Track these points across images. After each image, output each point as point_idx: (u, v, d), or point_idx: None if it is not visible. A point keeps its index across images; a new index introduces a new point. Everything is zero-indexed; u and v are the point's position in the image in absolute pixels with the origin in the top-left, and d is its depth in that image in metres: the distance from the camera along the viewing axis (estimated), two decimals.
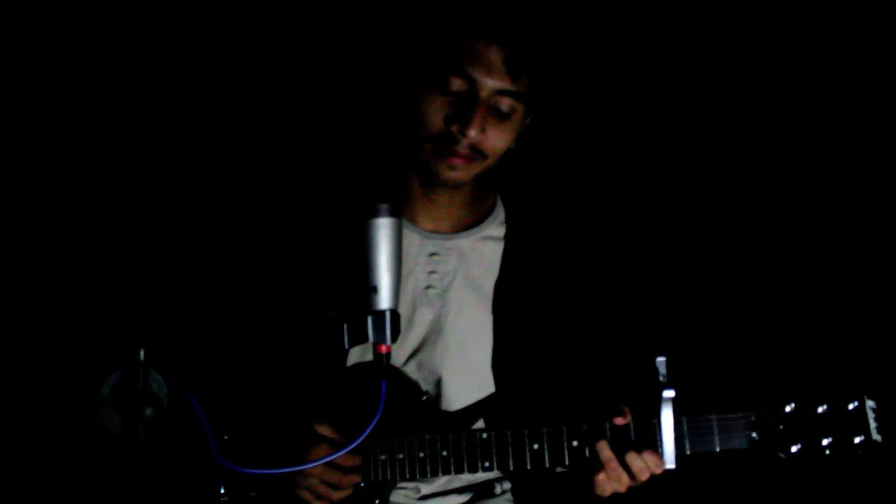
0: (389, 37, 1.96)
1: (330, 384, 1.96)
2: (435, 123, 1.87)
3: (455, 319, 2.01)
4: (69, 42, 2.48)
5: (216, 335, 1.99)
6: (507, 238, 2.07)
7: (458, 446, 1.88)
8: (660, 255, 2.55)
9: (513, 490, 2.09)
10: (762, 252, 2.56)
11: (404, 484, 1.99)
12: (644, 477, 1.82)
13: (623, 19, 2.54)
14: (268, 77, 2.54)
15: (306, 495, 1.86)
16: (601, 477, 1.82)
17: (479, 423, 2.02)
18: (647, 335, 2.30)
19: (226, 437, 1.88)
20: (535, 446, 1.86)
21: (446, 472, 1.89)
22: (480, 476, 2.04)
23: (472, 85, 1.85)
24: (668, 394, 1.81)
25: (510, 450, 1.87)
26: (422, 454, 1.89)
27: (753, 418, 1.83)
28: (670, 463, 1.82)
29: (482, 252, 2.05)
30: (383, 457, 1.91)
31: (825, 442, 1.81)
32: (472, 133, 1.85)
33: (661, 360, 1.80)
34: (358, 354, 1.97)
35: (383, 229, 1.53)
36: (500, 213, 2.10)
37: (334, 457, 1.75)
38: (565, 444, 1.86)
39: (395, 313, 1.54)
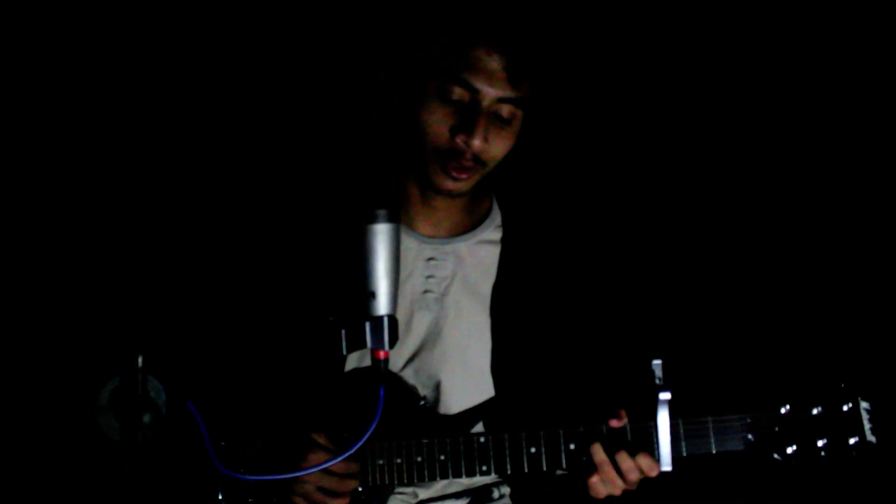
0: (391, 40, 1.96)
1: (328, 389, 1.96)
2: (439, 133, 1.87)
3: (453, 323, 2.02)
4: (69, 42, 2.48)
5: (214, 340, 1.99)
6: (504, 241, 2.08)
7: (455, 451, 1.89)
8: (656, 257, 2.56)
9: (511, 494, 2.09)
10: (757, 256, 2.57)
11: (402, 489, 2.00)
12: (635, 478, 1.82)
13: (620, 23, 2.55)
14: (267, 80, 2.54)
15: (302, 502, 1.86)
16: (595, 479, 1.82)
17: (479, 427, 2.02)
18: (644, 338, 2.30)
19: (223, 443, 1.89)
20: (533, 450, 1.87)
21: (444, 476, 1.90)
22: (478, 480, 2.05)
23: (475, 94, 1.85)
24: (665, 396, 1.81)
25: (507, 453, 1.88)
26: (419, 459, 1.90)
27: (749, 420, 1.84)
28: (666, 465, 1.83)
29: (479, 256, 2.06)
30: (381, 462, 1.91)
31: (820, 443, 1.82)
32: (477, 143, 1.86)
33: (657, 362, 1.81)
34: (356, 359, 1.97)
35: (381, 235, 1.53)
36: (496, 216, 2.10)
37: (331, 463, 1.76)
38: (562, 447, 1.86)
39: (392, 319, 1.54)
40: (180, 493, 1.90)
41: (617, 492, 1.84)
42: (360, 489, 1.92)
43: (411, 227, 2.03)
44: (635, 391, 1.87)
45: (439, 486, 2.04)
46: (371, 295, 1.53)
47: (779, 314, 2.53)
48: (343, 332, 1.55)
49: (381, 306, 1.54)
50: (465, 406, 2.02)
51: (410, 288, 2.01)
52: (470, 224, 2.08)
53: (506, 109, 1.88)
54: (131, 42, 2.50)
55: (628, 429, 1.85)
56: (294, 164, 2.43)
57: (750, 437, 1.83)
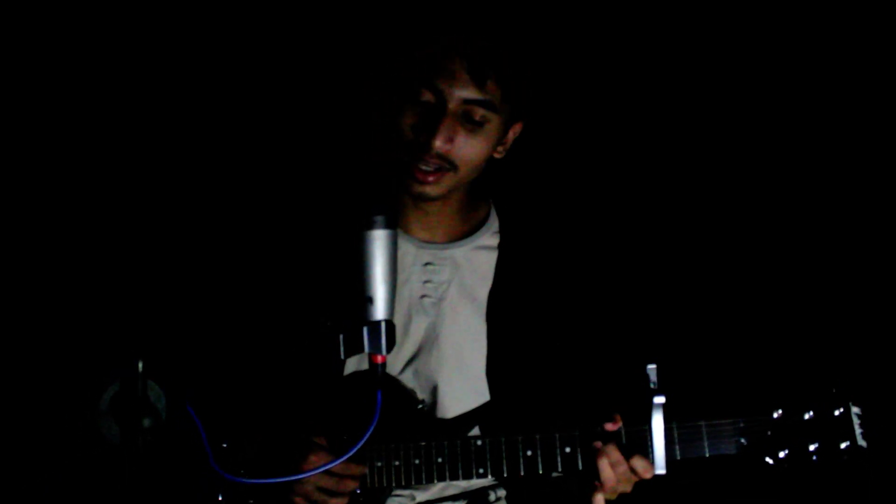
0: (382, 42, 1.98)
1: (327, 393, 1.98)
2: (405, 134, 1.89)
3: (450, 328, 2.03)
4: (69, 44, 2.48)
5: (214, 345, 2.00)
6: (501, 247, 2.09)
7: (452, 453, 1.90)
8: (651, 263, 2.57)
9: (507, 497, 2.10)
10: (750, 262, 2.58)
11: (400, 491, 2.01)
12: (630, 480, 1.84)
13: (611, 26, 2.56)
14: (265, 83, 2.55)
15: (303, 502, 1.87)
16: (599, 496, 1.83)
17: (475, 431, 2.03)
18: (639, 342, 2.32)
19: (223, 446, 1.90)
20: (529, 453, 1.88)
21: (441, 478, 1.91)
22: (475, 483, 2.06)
23: (440, 96, 1.87)
24: (659, 400, 1.83)
25: (504, 456, 1.89)
26: (417, 461, 1.91)
27: (742, 424, 1.85)
28: (661, 468, 1.84)
29: (476, 261, 2.07)
30: (379, 464, 1.93)
31: (812, 447, 1.84)
32: (438, 143, 1.87)
33: (651, 367, 1.82)
34: (355, 363, 1.99)
35: (379, 241, 1.54)
36: (493, 222, 2.12)
37: (332, 465, 1.77)
38: (558, 451, 1.88)
39: (390, 324, 1.55)
40: (180, 497, 1.91)
41: (613, 495, 1.86)
42: (358, 491, 1.93)
43: (409, 231, 2.04)
44: (630, 395, 1.88)
45: (437, 489, 2.05)
46: (369, 300, 1.54)
47: (772, 320, 2.54)
48: (341, 336, 1.57)
49: (379, 311, 1.55)
50: (462, 410, 2.03)
51: (408, 293, 2.02)
52: (467, 230, 2.09)
53: (477, 112, 1.89)
54: (130, 46, 2.50)
55: (623, 432, 1.86)
56: (292, 170, 2.45)
57: (743, 440, 1.85)
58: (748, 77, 2.56)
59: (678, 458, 1.86)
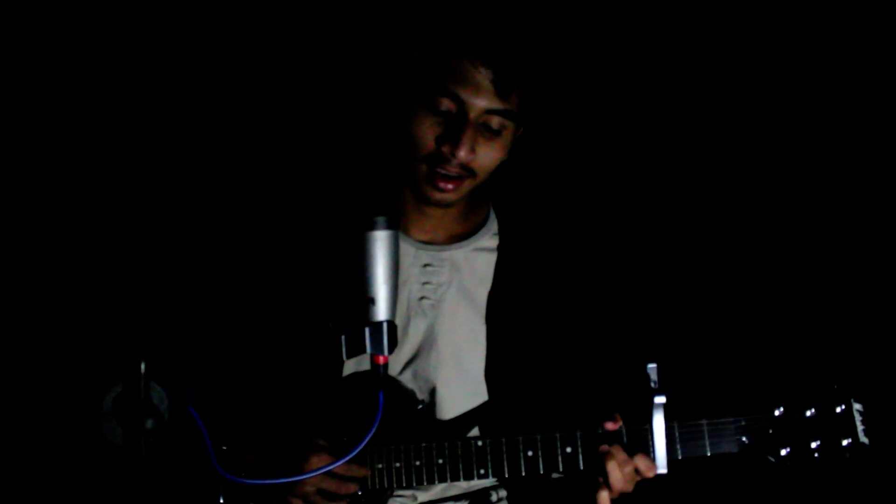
0: (383, 45, 1.97)
1: (327, 394, 1.98)
2: (426, 143, 1.89)
3: (449, 329, 2.03)
4: (71, 45, 2.49)
5: (216, 346, 2.00)
6: (500, 249, 2.09)
7: (453, 454, 1.90)
8: (651, 263, 2.57)
9: (509, 497, 2.10)
10: (750, 260, 2.58)
11: (401, 492, 2.01)
12: (632, 479, 1.84)
13: (612, 32, 2.57)
14: (266, 83, 2.55)
15: None
16: (604, 494, 1.83)
17: (474, 431, 2.04)
18: (639, 342, 2.32)
19: (224, 448, 1.90)
20: (530, 453, 1.89)
21: (442, 479, 1.91)
22: (476, 484, 2.06)
23: (462, 105, 1.87)
24: (660, 399, 1.83)
25: (505, 457, 1.89)
26: (418, 462, 1.91)
27: (743, 423, 1.85)
28: (662, 467, 1.84)
29: (475, 263, 2.08)
30: (380, 465, 1.93)
31: (814, 445, 1.84)
32: (462, 154, 1.87)
33: (652, 366, 1.83)
34: (353, 364, 1.98)
35: (380, 242, 1.54)
36: (493, 224, 2.12)
37: (333, 467, 1.77)
38: (559, 451, 1.88)
39: (392, 324, 1.56)
40: (182, 498, 1.91)
41: (614, 494, 1.86)
42: (359, 493, 1.93)
43: (408, 233, 2.04)
44: (631, 395, 1.88)
45: (438, 490, 2.05)
46: (370, 301, 1.55)
47: (772, 318, 2.54)
48: (343, 337, 1.57)
49: (381, 312, 1.55)
50: (460, 411, 2.03)
51: (407, 294, 2.02)
52: (466, 231, 2.09)
53: (495, 121, 1.90)
54: (131, 48, 2.51)
55: (624, 432, 1.87)
56: (294, 171, 2.45)
57: (744, 439, 1.85)
58: (746, 79, 2.57)
59: (680, 457, 1.86)
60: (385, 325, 1.55)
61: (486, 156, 1.92)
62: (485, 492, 2.08)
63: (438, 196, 1.93)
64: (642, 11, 2.56)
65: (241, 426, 1.93)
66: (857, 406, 1.84)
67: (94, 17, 2.48)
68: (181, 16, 2.50)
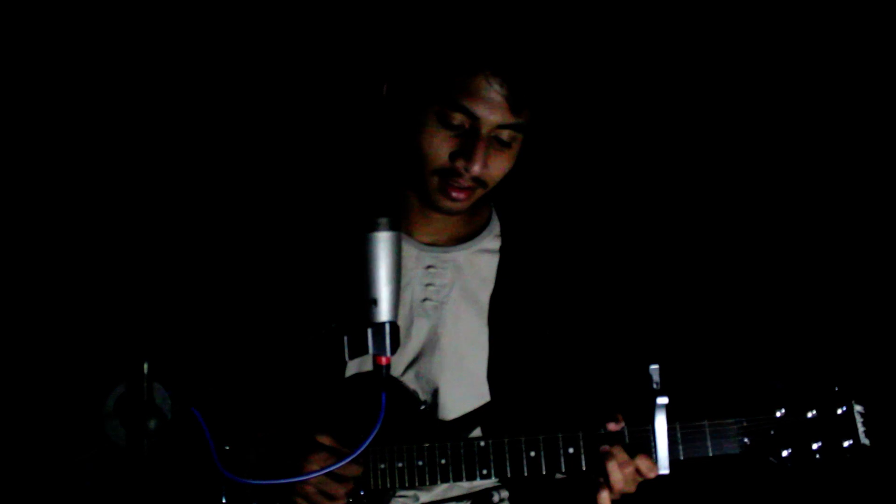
0: (394, 56, 1.97)
1: (329, 395, 1.98)
2: (439, 158, 1.89)
3: (452, 331, 2.03)
4: (72, 48, 2.49)
5: (218, 347, 2.01)
6: (503, 250, 2.10)
7: (456, 455, 1.91)
8: (652, 264, 2.57)
9: (511, 498, 2.11)
10: (752, 261, 2.58)
11: (403, 492, 2.01)
12: (634, 480, 1.84)
13: (613, 35, 2.57)
14: (270, 88, 2.56)
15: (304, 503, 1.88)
16: (604, 494, 1.83)
17: (476, 432, 2.04)
18: (641, 343, 2.32)
19: (227, 448, 1.91)
20: (532, 454, 1.89)
21: (445, 480, 1.92)
22: (478, 484, 2.07)
23: (475, 121, 1.86)
24: (662, 400, 1.83)
25: (507, 457, 1.90)
26: (420, 463, 1.92)
27: (745, 423, 1.86)
28: (664, 468, 1.85)
29: (478, 264, 2.08)
30: (382, 465, 1.93)
31: (815, 446, 1.84)
32: (476, 169, 1.87)
33: (654, 367, 1.83)
34: (356, 365, 1.99)
35: (383, 242, 1.54)
36: (495, 225, 2.12)
37: (334, 468, 1.77)
38: (561, 452, 1.89)
39: (394, 325, 1.56)
40: (185, 498, 1.92)
41: (616, 496, 1.86)
42: (362, 493, 1.94)
43: (410, 234, 2.05)
44: (633, 396, 1.89)
45: (440, 490, 2.05)
46: (373, 302, 1.55)
47: (774, 319, 2.55)
48: (345, 338, 1.57)
49: (383, 313, 1.55)
50: (463, 411, 2.03)
51: (410, 295, 2.03)
52: (469, 233, 2.10)
53: (506, 134, 1.89)
54: (140, 53, 2.51)
55: (626, 432, 1.87)
56: (296, 172, 2.45)
57: (746, 440, 1.86)
58: (746, 79, 2.57)
59: (681, 458, 1.86)
60: (387, 326, 1.55)
61: (498, 168, 1.92)
62: (487, 492, 2.08)
63: (450, 205, 1.94)
64: (645, 15, 2.56)
65: (244, 426, 1.94)
66: (858, 407, 1.84)
67: (98, 19, 2.48)
68: (193, 22, 2.51)
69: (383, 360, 1.58)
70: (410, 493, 2.03)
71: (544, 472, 1.89)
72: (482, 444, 1.90)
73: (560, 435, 1.88)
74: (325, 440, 1.88)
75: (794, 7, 2.50)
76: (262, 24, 2.54)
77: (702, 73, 2.58)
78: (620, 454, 1.82)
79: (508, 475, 1.90)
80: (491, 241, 2.11)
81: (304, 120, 2.57)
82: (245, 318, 2.02)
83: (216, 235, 2.12)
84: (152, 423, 1.51)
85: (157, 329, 2.22)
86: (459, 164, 1.88)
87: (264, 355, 1.91)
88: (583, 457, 1.88)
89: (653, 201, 2.61)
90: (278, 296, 2.01)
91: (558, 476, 1.94)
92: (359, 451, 1.60)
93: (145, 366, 1.50)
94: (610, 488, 1.82)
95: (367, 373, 1.99)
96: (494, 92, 1.84)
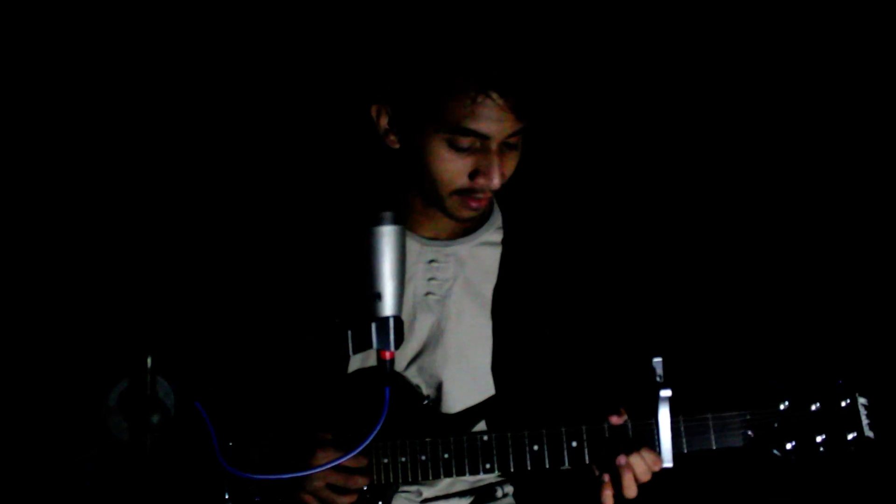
0: (398, 86, 1.94)
1: (333, 389, 1.98)
2: (457, 181, 1.88)
3: (455, 324, 2.03)
4: (75, 51, 2.49)
5: (222, 342, 2.01)
6: (505, 243, 2.09)
7: (459, 449, 1.91)
8: (655, 257, 2.57)
9: (515, 494, 2.11)
10: (755, 254, 2.58)
11: (407, 487, 2.01)
12: (644, 475, 1.84)
13: (618, 31, 2.57)
14: (275, 84, 2.55)
15: (311, 500, 1.88)
16: (607, 493, 1.83)
17: (480, 426, 2.04)
18: (644, 336, 2.32)
19: (230, 444, 1.91)
20: (535, 448, 1.89)
21: (448, 474, 1.92)
22: (482, 479, 2.07)
23: (486, 140, 1.85)
24: (665, 393, 1.83)
25: (511, 452, 1.90)
26: (423, 457, 1.92)
27: (748, 416, 1.85)
28: (668, 461, 1.85)
29: (480, 257, 2.08)
30: (385, 460, 1.93)
31: (819, 439, 1.84)
32: (497, 182, 1.87)
33: (657, 360, 1.83)
34: (359, 360, 1.99)
35: (387, 237, 1.54)
36: (497, 218, 2.12)
37: (341, 461, 1.77)
38: (565, 446, 1.88)
39: (398, 320, 1.56)
40: (187, 493, 1.92)
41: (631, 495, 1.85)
42: (364, 488, 1.93)
43: (412, 229, 2.04)
44: (636, 389, 1.89)
45: (443, 485, 2.05)
46: (377, 296, 1.55)
47: (777, 311, 2.54)
48: (350, 333, 1.57)
49: (387, 307, 1.55)
50: (466, 405, 2.04)
51: (412, 290, 2.02)
52: (470, 226, 2.09)
53: (513, 138, 1.89)
54: (156, 56, 2.51)
55: (630, 426, 1.87)
56: (301, 168, 2.44)
57: (749, 433, 1.85)
58: (748, 76, 2.57)
59: (685, 451, 1.86)
60: (392, 321, 1.55)
61: (510, 169, 1.92)
62: (490, 487, 2.09)
63: (469, 214, 1.95)
64: (645, 13, 2.56)
65: (248, 422, 1.93)
66: (862, 400, 1.84)
67: (103, 22, 2.48)
68: (203, 24, 2.50)
69: (387, 355, 1.58)
70: (413, 488, 2.03)
71: (547, 466, 1.89)
72: (485, 438, 1.90)
73: (563, 429, 1.88)
74: (328, 436, 1.88)
75: (791, 6, 2.50)
76: (267, 30, 2.54)
77: (702, 66, 2.57)
78: (634, 459, 1.81)
79: (512, 469, 1.90)
80: (493, 234, 2.10)
81: (309, 116, 2.56)
82: (249, 313, 2.02)
83: (220, 230, 2.11)
84: (155, 418, 1.51)
85: (160, 323, 2.22)
86: (479, 182, 1.88)
87: (268, 350, 1.91)
88: (586, 451, 1.87)
89: (655, 193, 2.61)
90: (282, 290, 2.01)
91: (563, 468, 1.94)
92: (363, 446, 1.60)
93: (149, 360, 1.50)
94: (619, 492, 1.82)
95: (371, 368, 1.99)
96: (499, 109, 1.82)
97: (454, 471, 1.91)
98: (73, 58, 2.49)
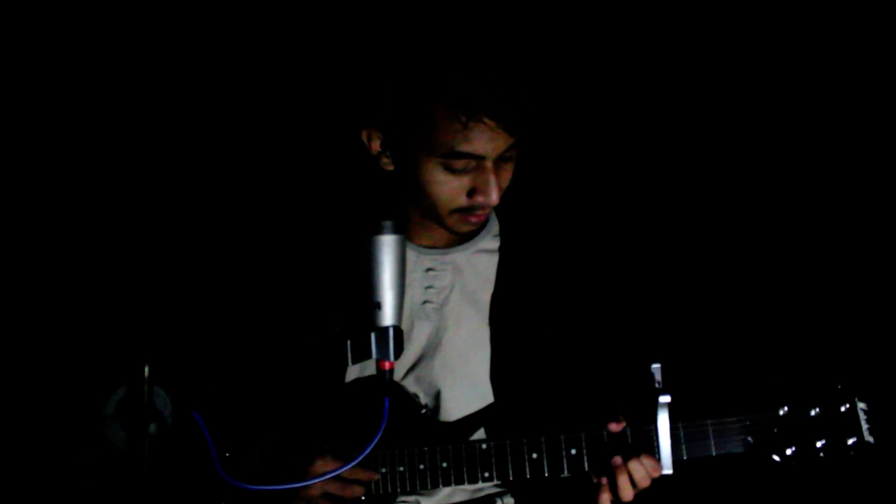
0: (383, 100, 1.92)
1: (332, 399, 1.97)
2: (456, 201, 1.88)
3: (453, 333, 2.03)
4: (78, 53, 2.48)
5: (220, 351, 2.00)
6: (502, 250, 2.09)
7: (457, 457, 1.90)
8: (653, 262, 2.57)
9: None
10: (753, 259, 2.58)
11: (405, 498, 2.01)
12: (643, 481, 1.84)
13: (608, 36, 2.57)
14: (276, 93, 2.55)
15: None
16: (605, 496, 1.82)
17: (479, 434, 2.03)
18: (642, 342, 2.32)
19: (227, 454, 1.90)
20: (534, 455, 1.88)
21: (446, 483, 1.91)
22: (482, 490, 2.06)
23: (480, 160, 1.85)
24: (664, 399, 1.83)
25: (509, 459, 1.89)
26: (422, 466, 1.91)
27: (748, 422, 1.85)
28: (667, 468, 1.84)
29: (478, 265, 2.07)
30: (384, 470, 1.92)
31: (819, 444, 1.84)
32: (495, 198, 1.87)
33: (656, 366, 1.82)
34: (357, 369, 1.99)
35: (387, 246, 1.54)
36: (493, 225, 2.11)
37: (338, 472, 1.76)
38: (563, 453, 1.88)
39: (398, 330, 1.55)
40: (184, 503, 1.91)
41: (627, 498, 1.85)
42: (363, 498, 1.93)
43: (409, 238, 2.03)
44: (635, 395, 1.88)
45: (442, 496, 2.04)
46: (377, 306, 1.54)
47: (776, 317, 2.54)
48: (349, 342, 1.57)
49: (387, 317, 1.55)
50: (465, 414, 2.03)
51: (410, 299, 2.02)
52: (467, 234, 2.08)
53: (508, 152, 1.89)
54: (165, 63, 2.51)
55: (629, 432, 1.86)
56: (300, 177, 2.44)
57: (749, 439, 1.85)
58: (745, 79, 2.57)
59: (685, 457, 1.85)
60: (391, 331, 1.55)
61: (507, 181, 1.92)
62: (490, 498, 2.07)
63: (469, 228, 1.95)
64: (640, 16, 2.56)
65: (246, 431, 1.93)
66: (861, 405, 1.83)
67: (110, 25, 2.47)
68: (208, 28, 2.50)
69: (387, 365, 1.57)
70: (412, 498, 2.02)
71: (547, 474, 1.88)
72: (483, 446, 1.90)
73: (562, 436, 1.88)
74: (326, 445, 1.87)
75: (777, 5, 2.50)
76: (268, 34, 2.53)
77: (702, 66, 2.57)
78: (633, 463, 1.81)
79: (510, 477, 1.89)
80: (490, 242, 2.10)
81: (309, 126, 2.55)
82: (247, 322, 2.01)
83: (219, 239, 2.11)
84: (152, 427, 1.50)
85: (158, 332, 2.22)
86: (478, 200, 1.88)
87: (266, 359, 1.90)
88: (585, 458, 1.87)
89: (653, 199, 2.61)
90: (281, 299, 2.01)
91: (564, 476, 1.93)
92: (361, 457, 1.59)
93: (146, 369, 1.49)
94: (617, 496, 1.81)
95: (369, 377, 1.98)
96: (491, 131, 1.82)
97: (453, 479, 1.90)
98: (70, 70, 2.49)
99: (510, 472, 1.89)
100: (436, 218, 1.94)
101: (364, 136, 1.93)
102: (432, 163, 1.85)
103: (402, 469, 1.92)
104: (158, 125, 2.53)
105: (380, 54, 1.91)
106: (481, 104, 1.80)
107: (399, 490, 1.92)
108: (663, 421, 1.84)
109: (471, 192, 1.88)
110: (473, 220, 1.92)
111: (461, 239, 2.07)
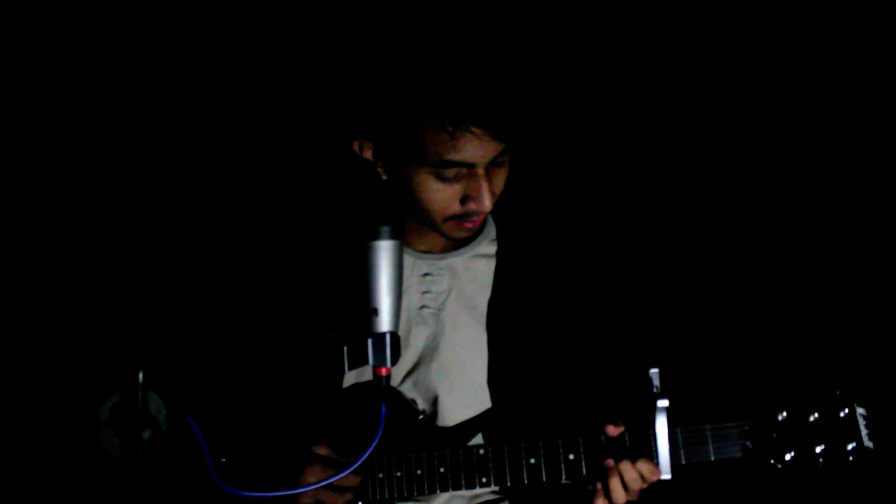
0: (372, 112, 1.91)
1: (328, 405, 1.96)
2: (449, 208, 1.88)
3: (450, 338, 2.02)
4: (80, 55, 2.47)
5: (215, 356, 1.99)
6: (499, 255, 2.08)
7: (455, 463, 1.89)
8: (651, 267, 2.56)
9: None
10: (752, 264, 2.58)
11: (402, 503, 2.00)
12: (638, 486, 1.83)
13: (596, 27, 2.56)
14: (274, 97, 2.55)
15: None
16: (601, 500, 1.82)
17: (477, 439, 2.03)
18: (640, 347, 2.31)
19: (223, 460, 1.89)
20: (532, 461, 1.87)
21: (444, 489, 1.90)
22: (480, 496, 2.05)
23: (471, 168, 1.84)
24: (662, 403, 1.82)
25: (507, 465, 1.88)
26: (419, 471, 1.90)
27: (747, 427, 1.84)
28: (666, 473, 1.83)
29: (475, 270, 2.07)
30: (380, 475, 1.92)
31: (818, 449, 1.83)
32: (487, 204, 1.86)
33: (654, 371, 1.82)
34: (354, 375, 1.98)
35: (384, 252, 1.54)
36: (490, 230, 2.11)
37: (334, 479, 1.75)
38: (561, 458, 1.87)
39: (395, 336, 1.55)
40: None
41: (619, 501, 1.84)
42: None
43: (406, 243, 2.03)
44: (633, 400, 1.87)
45: (440, 502, 2.03)
46: (374, 312, 1.54)
47: (775, 322, 2.54)
48: (345, 348, 1.56)
49: (384, 323, 1.54)
50: (463, 419, 2.02)
51: (407, 304, 2.01)
52: (464, 238, 2.07)
53: (499, 158, 1.88)
54: (165, 67, 2.51)
55: (627, 437, 1.86)
56: (297, 182, 2.44)
57: (748, 444, 1.84)
58: (744, 80, 2.57)
59: (683, 462, 1.85)
60: (388, 337, 1.54)
61: (500, 186, 1.92)
62: None
63: (464, 235, 1.95)
64: (635, 19, 2.55)
65: (241, 437, 1.92)
66: (860, 410, 1.83)
67: (114, 26, 2.47)
68: (209, 29, 2.50)
69: (383, 371, 1.57)
70: None
71: (545, 480, 1.87)
72: (481, 451, 1.89)
73: (560, 441, 1.87)
74: (322, 451, 1.86)
75: (793, 6, 2.50)
76: (268, 36, 2.53)
77: (701, 67, 2.56)
78: (627, 468, 1.80)
79: (508, 483, 1.88)
80: (487, 246, 2.09)
81: (307, 132, 2.55)
82: (244, 328, 2.01)
83: (215, 244, 2.11)
84: (147, 434, 1.49)
85: (153, 337, 2.21)
86: (471, 206, 1.87)
87: (262, 365, 1.90)
88: (583, 463, 1.86)
89: (651, 203, 2.61)
90: (278, 305, 2.00)
91: (563, 482, 1.93)
92: (357, 464, 1.58)
93: (141, 374, 1.48)
94: (609, 500, 1.80)
95: (366, 383, 1.98)
96: (479, 139, 1.81)
97: (450, 485, 1.90)
98: (68, 74, 2.48)
99: (508, 478, 1.88)
100: (431, 225, 1.93)
101: (356, 146, 1.93)
102: (423, 172, 1.85)
103: (399, 474, 1.91)
104: (159, 131, 2.52)
105: (366, 66, 1.90)
106: (467, 113, 1.79)
107: (396, 496, 1.92)
108: (661, 425, 1.83)
109: (464, 200, 1.88)
110: (468, 226, 1.92)
111: (458, 244, 2.07)
